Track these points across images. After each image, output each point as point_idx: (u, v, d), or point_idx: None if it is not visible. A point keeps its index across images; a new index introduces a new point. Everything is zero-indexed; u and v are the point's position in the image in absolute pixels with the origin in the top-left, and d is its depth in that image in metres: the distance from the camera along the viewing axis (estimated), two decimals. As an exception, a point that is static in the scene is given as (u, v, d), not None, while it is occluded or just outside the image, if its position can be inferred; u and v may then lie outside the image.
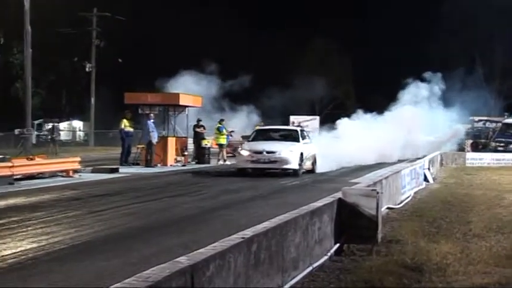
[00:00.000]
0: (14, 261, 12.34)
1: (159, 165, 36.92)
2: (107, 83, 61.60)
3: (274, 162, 31.56)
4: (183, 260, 6.73)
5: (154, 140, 36.72)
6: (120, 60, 63.03)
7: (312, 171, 34.06)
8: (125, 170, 33.20)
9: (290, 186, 28.39)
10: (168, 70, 43.10)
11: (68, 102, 69.94)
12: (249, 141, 34.39)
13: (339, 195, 13.07)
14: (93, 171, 32.42)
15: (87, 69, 64.67)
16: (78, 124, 75.47)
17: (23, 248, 13.64)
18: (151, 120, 37.25)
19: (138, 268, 6.44)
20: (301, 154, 32.19)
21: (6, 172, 26.83)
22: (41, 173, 29.63)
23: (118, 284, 5.77)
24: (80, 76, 66.33)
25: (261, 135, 35.11)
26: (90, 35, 64.44)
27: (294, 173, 31.63)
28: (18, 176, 27.72)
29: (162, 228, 16.90)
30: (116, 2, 62.11)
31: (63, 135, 71.12)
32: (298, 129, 36.57)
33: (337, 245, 12.37)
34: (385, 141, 42.47)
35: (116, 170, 32.91)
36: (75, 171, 31.22)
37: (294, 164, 31.57)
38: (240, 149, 33.80)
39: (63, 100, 72.86)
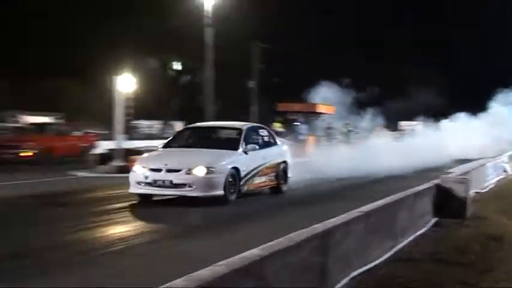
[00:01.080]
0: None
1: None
2: (266, 95, 61.74)
3: (180, 186, 14.97)
4: (318, 227, 6.70)
5: (300, 137, 37.03)
6: (276, 79, 63.34)
7: (276, 189, 17.73)
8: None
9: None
10: (312, 84, 42.78)
11: (237, 110, 70.67)
12: (162, 147, 17.47)
13: (437, 181, 12.98)
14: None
15: (250, 86, 65.44)
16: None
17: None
18: (298, 124, 37.59)
19: (285, 232, 6.34)
20: (236, 170, 15.52)
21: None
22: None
23: (272, 242, 5.77)
24: (246, 90, 66.73)
25: (183, 137, 18.21)
26: (253, 59, 65.19)
27: (221, 200, 15.09)
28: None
29: (301, 203, 16.42)
30: (274, 32, 62.36)
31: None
32: (245, 128, 17.39)
33: (435, 219, 12.26)
34: (482, 138, 38.73)
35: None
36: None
37: (215, 189, 14.92)
38: (136, 162, 16.31)
39: (233, 108, 73.36)
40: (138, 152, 25.37)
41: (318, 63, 61.51)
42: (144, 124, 61.48)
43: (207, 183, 14.67)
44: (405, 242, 9.85)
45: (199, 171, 14.62)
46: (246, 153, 16.07)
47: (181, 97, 66.40)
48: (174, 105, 65.53)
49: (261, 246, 5.56)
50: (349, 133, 40.79)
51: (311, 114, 40.77)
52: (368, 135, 40.02)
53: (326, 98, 41.82)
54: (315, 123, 40.48)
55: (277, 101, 42.92)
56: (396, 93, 56.24)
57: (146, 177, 14.79)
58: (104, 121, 36.72)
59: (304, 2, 68.97)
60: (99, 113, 42.38)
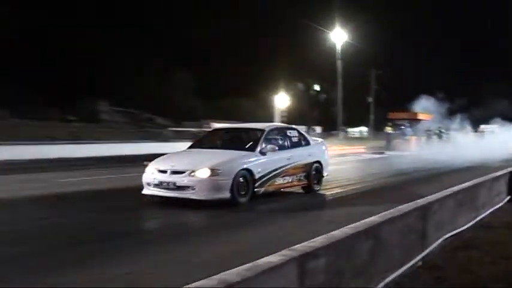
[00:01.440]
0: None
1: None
2: (380, 106, 60.60)
3: (183, 188, 10.25)
4: (420, 201, 6.56)
5: (406, 137, 36.65)
6: (385, 94, 62.17)
7: (307, 188, 12.67)
8: (388, 153, 32.48)
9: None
10: (415, 97, 41.90)
11: (359, 118, 69.66)
12: (187, 148, 12.40)
13: (510, 169, 12.25)
14: (371, 153, 31.91)
15: (368, 101, 64.66)
16: (364, 129, 74.88)
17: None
18: (403, 127, 37.17)
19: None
20: (249, 171, 10.71)
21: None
22: (345, 154, 29.72)
23: (386, 212, 5.65)
24: (366, 104, 65.83)
25: (209, 139, 13.10)
26: (371, 81, 64.47)
27: (231, 202, 10.28)
28: (333, 154, 27.98)
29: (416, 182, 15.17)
30: (387, 59, 61.56)
31: (357, 135, 71.35)
32: (267, 129, 12.03)
33: (509, 197, 11.51)
34: None
35: (382, 153, 32.43)
36: (363, 152, 31.10)
37: (220, 191, 10.19)
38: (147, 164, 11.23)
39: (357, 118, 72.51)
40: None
41: (420, 81, 59.84)
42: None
43: (212, 185, 10.04)
44: (485, 213, 9.42)
45: (203, 173, 10.05)
46: (263, 154, 11.15)
47: (319, 109, 67.42)
48: (315, 115, 66.65)
49: (378, 215, 5.46)
50: (441, 134, 39.49)
51: (413, 120, 39.90)
52: (456, 136, 38.71)
53: (425, 107, 40.88)
54: (416, 126, 39.53)
55: (389, 111, 42.21)
56: (479, 102, 53.79)
57: (154, 179, 10.47)
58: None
59: (407, 36, 67.68)
60: (263, 120, 43.25)
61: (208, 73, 56.47)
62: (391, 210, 5.78)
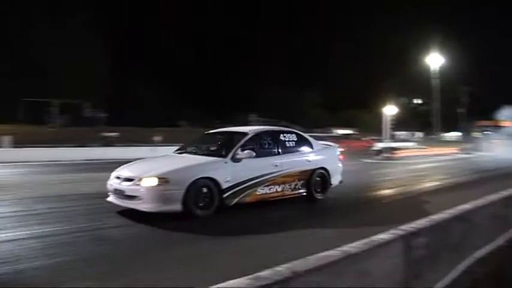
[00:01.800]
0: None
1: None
2: (471, 115, 55.90)
3: (132, 198, 6.32)
4: (504, 192, 6.12)
5: (490, 141, 33.67)
6: (468, 101, 57.28)
7: (306, 197, 7.90)
8: (475, 153, 29.40)
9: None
10: (497, 106, 38.13)
11: (452, 124, 64.75)
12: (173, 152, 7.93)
13: None
14: (462, 153, 29.30)
15: (460, 111, 60.17)
16: (456, 134, 69.07)
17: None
18: (489, 132, 34.15)
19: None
20: (213, 180, 6.57)
21: (425, 152, 25.59)
22: (442, 154, 27.59)
23: (477, 201, 5.26)
24: (458, 114, 61.18)
25: (195, 143, 8.11)
26: (462, 95, 59.96)
27: (185, 214, 6.15)
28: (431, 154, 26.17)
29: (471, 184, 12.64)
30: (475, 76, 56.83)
31: (451, 138, 66.36)
32: (251, 133, 7.46)
33: None
34: None
35: (470, 153, 29.70)
36: (455, 153, 28.75)
37: (170, 203, 6.14)
38: None
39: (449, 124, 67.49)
40: (398, 148, 24.61)
41: (503, 94, 54.40)
42: (399, 133, 59.57)
43: (158, 196, 6.35)
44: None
45: (149, 182, 6.42)
46: (237, 161, 7.12)
47: (421, 118, 64.80)
48: (416, 122, 64.23)
49: (469, 203, 5.08)
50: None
51: (496, 127, 36.66)
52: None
53: (508, 116, 37.22)
54: (499, 131, 36.10)
55: (477, 119, 39.38)
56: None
57: (110, 185, 6.98)
58: (377, 131, 36.04)
59: (491, 57, 62.07)
60: (375, 127, 41.91)
61: (333, 90, 56.78)
62: (480, 200, 5.40)
